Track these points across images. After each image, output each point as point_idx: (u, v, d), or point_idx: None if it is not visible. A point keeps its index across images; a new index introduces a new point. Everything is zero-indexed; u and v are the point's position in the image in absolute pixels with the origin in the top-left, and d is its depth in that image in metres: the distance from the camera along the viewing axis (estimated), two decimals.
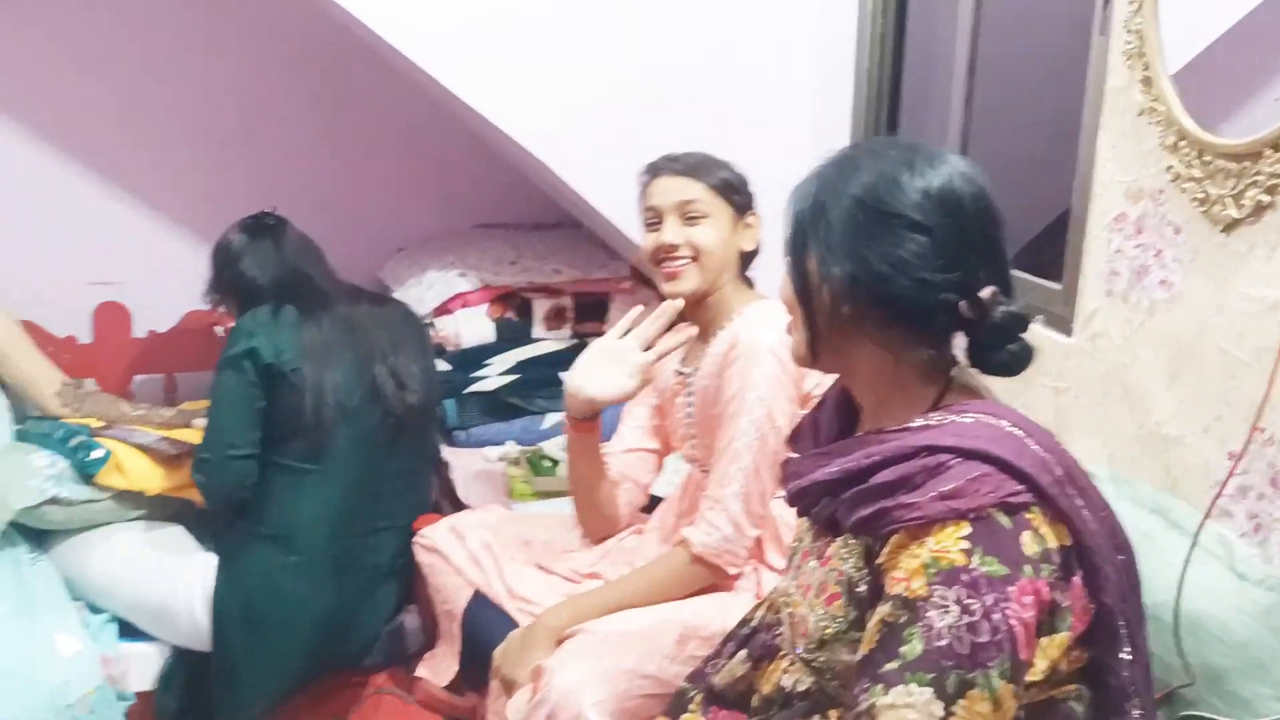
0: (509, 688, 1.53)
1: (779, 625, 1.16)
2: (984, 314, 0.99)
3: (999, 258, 1.02)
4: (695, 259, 1.65)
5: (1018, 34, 2.25)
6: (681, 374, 1.74)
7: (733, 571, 1.61)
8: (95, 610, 1.97)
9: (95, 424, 2.11)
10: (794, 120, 2.25)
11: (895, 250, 0.98)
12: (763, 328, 1.60)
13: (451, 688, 1.79)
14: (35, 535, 2.03)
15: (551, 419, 2.44)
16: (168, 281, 2.39)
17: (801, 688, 1.08)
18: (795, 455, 1.14)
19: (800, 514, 1.12)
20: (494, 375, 2.43)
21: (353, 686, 2.00)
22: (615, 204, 2.25)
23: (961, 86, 2.08)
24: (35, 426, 2.13)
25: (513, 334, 2.48)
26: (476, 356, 2.44)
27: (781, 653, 1.15)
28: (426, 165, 2.76)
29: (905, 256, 0.98)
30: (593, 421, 1.72)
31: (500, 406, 2.43)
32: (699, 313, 1.71)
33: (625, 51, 2.17)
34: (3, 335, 2.16)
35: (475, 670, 1.71)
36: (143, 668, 1.95)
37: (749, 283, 1.73)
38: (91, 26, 2.44)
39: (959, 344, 1.05)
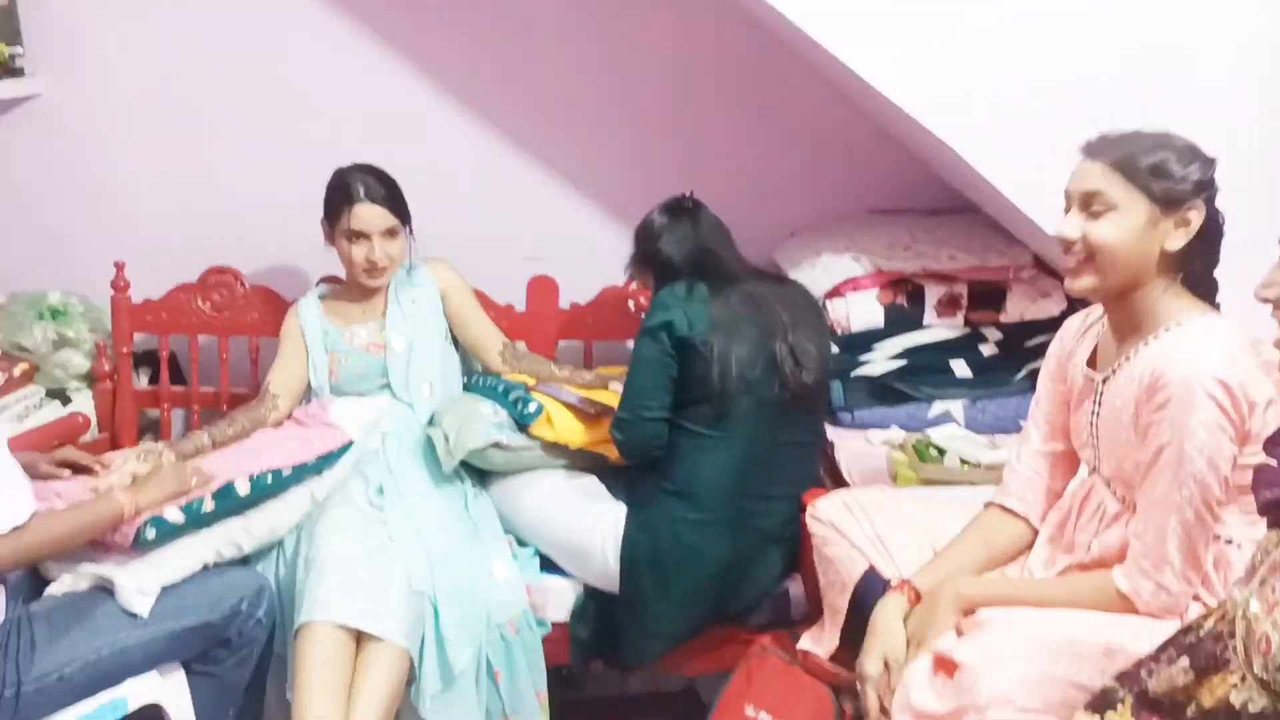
0: (913, 644, 1.56)
1: (1231, 637, 1.09)
2: None
3: None
4: (1092, 257, 1.52)
5: None
6: (1091, 377, 1.63)
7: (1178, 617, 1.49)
8: (522, 544, 2.23)
9: (529, 381, 2.40)
10: (1237, 101, 2.05)
11: None
12: (1199, 359, 1.44)
13: (835, 660, 1.85)
14: (478, 474, 2.33)
15: (938, 407, 2.42)
16: (589, 258, 2.63)
17: (1253, 708, 1.02)
18: (1271, 463, 1.06)
19: (1270, 525, 1.05)
20: (881, 360, 2.45)
21: (739, 642, 2.11)
22: (1023, 187, 2.18)
23: None
24: (482, 380, 2.45)
25: (902, 320, 2.47)
26: (864, 340, 2.45)
27: (1232, 667, 1.07)
28: (823, 150, 2.81)
29: None
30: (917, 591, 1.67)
31: (885, 391, 2.43)
32: (1117, 312, 1.58)
33: (1041, 26, 2.07)
34: (463, 303, 2.51)
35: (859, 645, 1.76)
36: (560, 600, 2.17)
37: (1189, 285, 1.55)
38: (518, 18, 2.72)
39: None
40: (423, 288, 2.48)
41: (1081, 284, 1.55)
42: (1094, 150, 1.54)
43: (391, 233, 2.35)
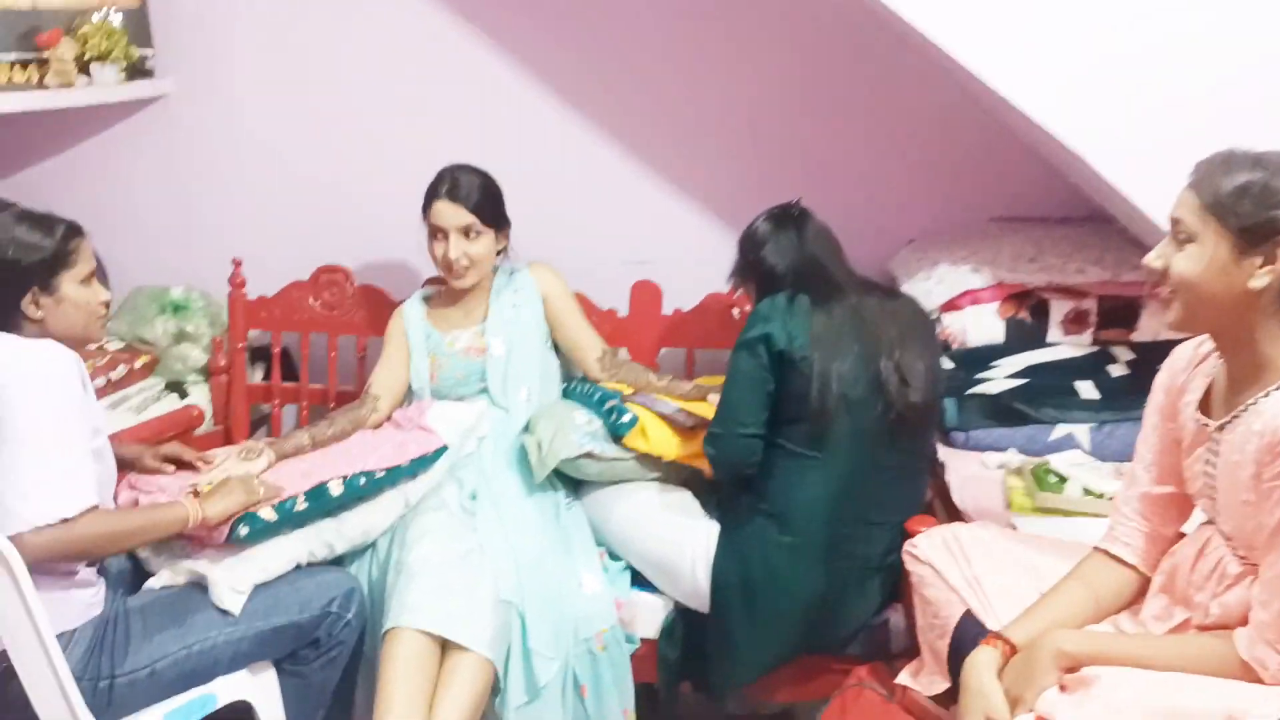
0: (1011, 705, 1.45)
1: None
2: None
3: None
4: (1176, 290, 1.39)
5: None
6: (1204, 424, 1.48)
7: None
8: (614, 557, 2.19)
9: (626, 390, 2.35)
10: None
11: None
12: None
13: (936, 700, 1.74)
14: (571, 483, 2.30)
15: (1061, 430, 2.27)
16: (694, 264, 2.57)
17: None
18: None
19: None
20: (1000, 378, 2.31)
21: (834, 673, 2.02)
22: (1160, 199, 2.01)
23: None
24: (579, 387, 2.42)
25: (1025, 336, 2.32)
26: (983, 357, 2.32)
27: None
28: (945, 154, 2.69)
29: None
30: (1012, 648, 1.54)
31: (1004, 411, 2.29)
32: (1230, 355, 1.43)
33: (1186, 30, 1.92)
34: (564, 307, 2.48)
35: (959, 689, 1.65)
36: (649, 617, 2.12)
37: None
38: (630, 23, 2.68)
39: None
40: (524, 292, 2.46)
41: (1167, 318, 1.43)
42: (1193, 172, 1.40)
43: (470, 232, 2.33)
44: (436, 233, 2.34)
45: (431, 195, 2.34)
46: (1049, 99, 2.00)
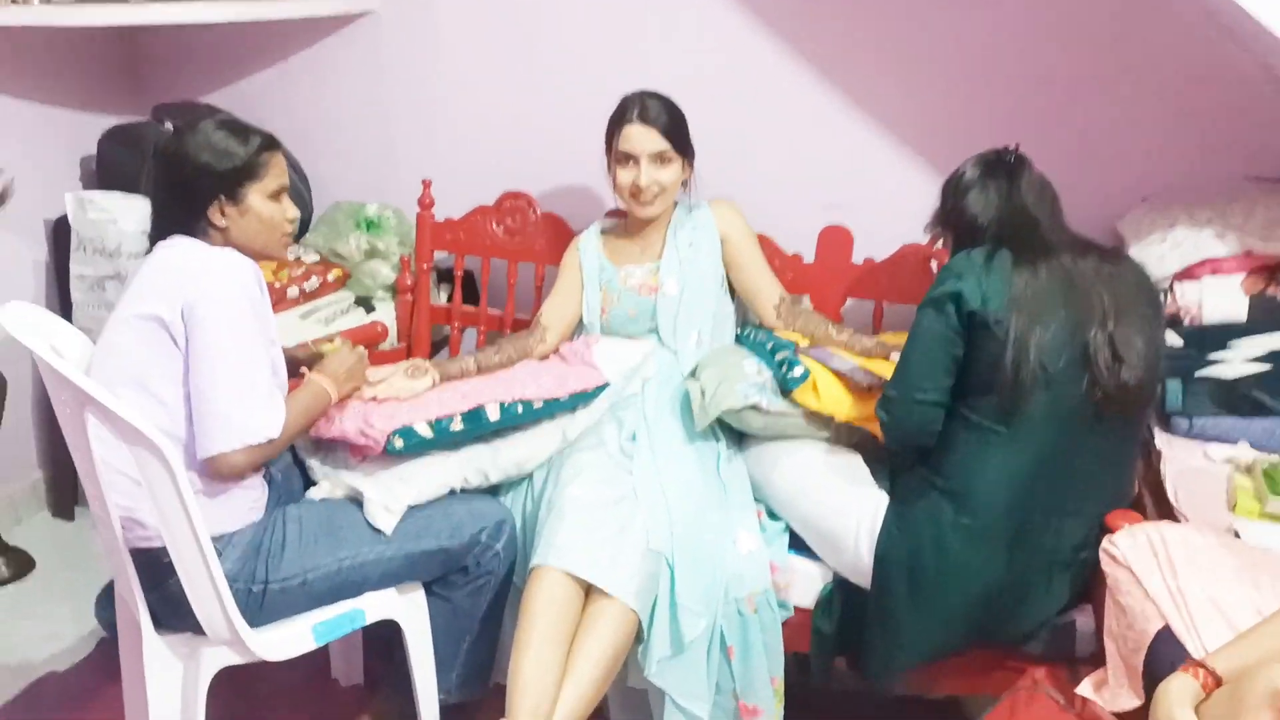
0: None
1: None
2: None
3: None
4: None
5: None
6: None
7: None
8: (774, 517, 2.07)
9: (802, 342, 2.21)
10: None
11: None
12: None
13: (1121, 718, 1.55)
14: (734, 435, 2.19)
15: None
16: (892, 211, 2.38)
17: None
18: None
19: None
20: (1237, 361, 2.05)
21: (1008, 670, 1.86)
22: None
23: None
24: (752, 334, 2.30)
25: (1272, 315, 2.04)
26: (1219, 336, 2.06)
27: None
28: (1195, 102, 2.38)
29: None
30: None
31: (1238, 399, 2.04)
32: None
33: None
34: (743, 248, 2.35)
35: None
36: (805, 585, 2.00)
37: None
38: None
39: None
40: (703, 230, 2.34)
41: None
42: None
43: (662, 158, 2.23)
44: (626, 159, 2.25)
45: (620, 120, 2.26)
46: None
